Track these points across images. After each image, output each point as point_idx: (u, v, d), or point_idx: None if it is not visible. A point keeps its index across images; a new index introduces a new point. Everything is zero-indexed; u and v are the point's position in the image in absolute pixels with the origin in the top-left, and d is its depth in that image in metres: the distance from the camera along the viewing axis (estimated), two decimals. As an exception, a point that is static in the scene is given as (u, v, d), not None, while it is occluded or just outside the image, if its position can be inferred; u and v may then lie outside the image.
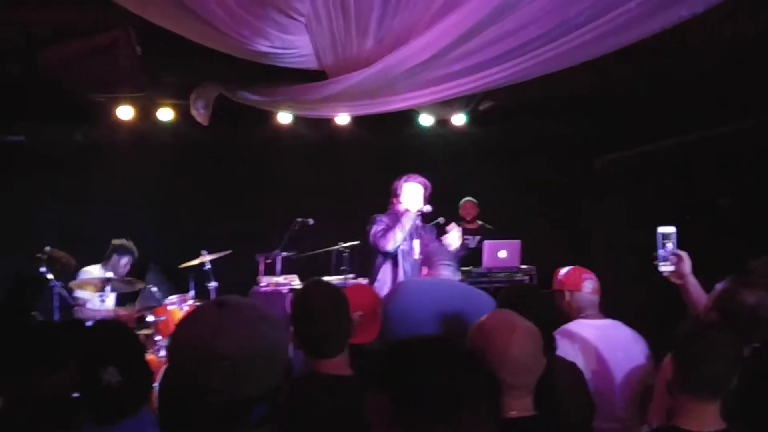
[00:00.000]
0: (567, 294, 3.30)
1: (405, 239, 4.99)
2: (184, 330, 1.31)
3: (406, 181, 5.18)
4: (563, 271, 3.42)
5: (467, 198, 7.89)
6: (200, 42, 4.55)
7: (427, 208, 5.17)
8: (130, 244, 6.22)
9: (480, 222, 7.84)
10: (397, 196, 5.14)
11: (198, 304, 1.36)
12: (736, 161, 6.20)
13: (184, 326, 1.32)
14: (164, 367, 1.36)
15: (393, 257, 4.99)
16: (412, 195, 5.14)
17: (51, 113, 7.15)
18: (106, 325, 2.26)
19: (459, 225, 5.29)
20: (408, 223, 4.95)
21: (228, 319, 1.28)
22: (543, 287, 6.11)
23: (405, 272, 4.96)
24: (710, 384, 2.09)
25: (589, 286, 3.29)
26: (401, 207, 5.09)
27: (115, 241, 6.19)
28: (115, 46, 5.29)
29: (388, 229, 4.95)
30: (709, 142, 6.49)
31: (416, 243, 5.05)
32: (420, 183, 5.20)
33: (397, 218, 5.02)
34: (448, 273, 3.68)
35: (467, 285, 3.75)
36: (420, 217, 5.15)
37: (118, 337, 2.02)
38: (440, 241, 4.98)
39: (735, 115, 6.01)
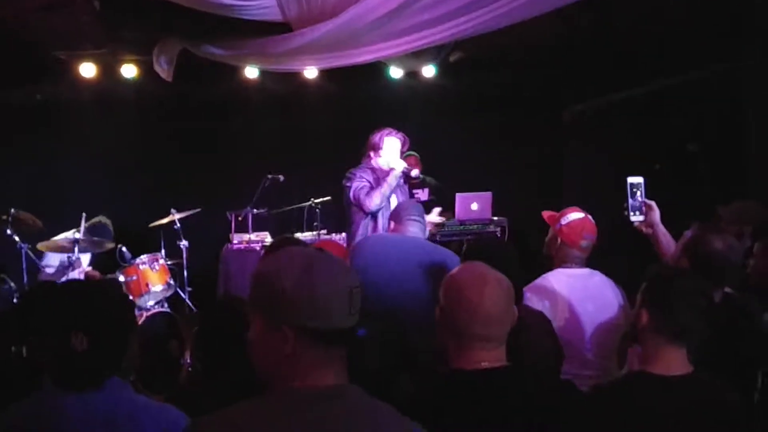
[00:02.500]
0: (559, 241, 3.26)
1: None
2: (323, 273, 1.45)
3: (387, 134, 5.05)
4: (569, 217, 3.28)
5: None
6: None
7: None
8: (104, 221, 6.07)
9: (422, 176, 7.76)
10: (376, 149, 5.02)
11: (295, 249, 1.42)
12: (704, 108, 6.22)
13: (318, 271, 1.45)
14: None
15: (373, 213, 4.94)
16: (392, 150, 5.04)
17: (11, 71, 6.96)
18: (79, 286, 2.19)
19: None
20: (393, 181, 4.88)
21: (336, 258, 1.52)
22: (514, 238, 6.24)
23: (384, 228, 4.93)
24: (680, 329, 2.11)
25: (584, 244, 3.23)
26: (380, 162, 5.01)
27: (94, 220, 6.04)
28: (72, 1, 5.12)
29: (372, 187, 4.85)
30: (676, 89, 6.50)
31: (394, 198, 5.00)
32: (399, 138, 5.10)
33: (375, 174, 4.94)
34: (415, 229, 3.64)
35: (431, 243, 3.74)
36: (403, 177, 5.10)
37: (90, 302, 1.96)
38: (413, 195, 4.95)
39: (702, 62, 6.01)
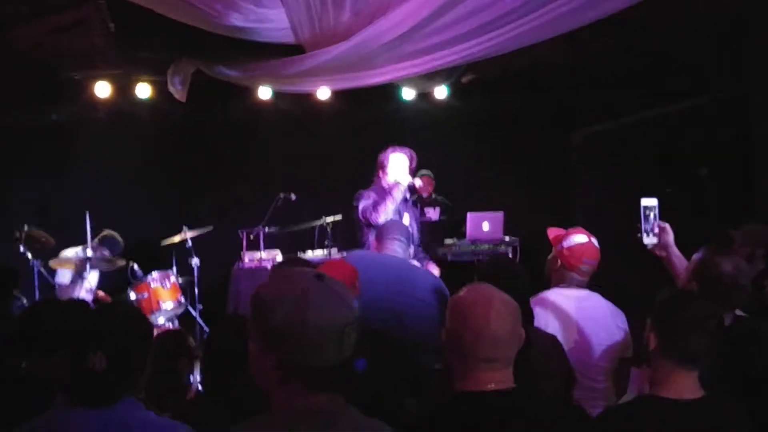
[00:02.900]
0: (559, 263, 3.24)
1: (394, 212, 4.94)
2: (302, 305, 1.44)
3: (392, 152, 5.08)
4: (572, 240, 3.24)
5: (423, 172, 7.69)
6: (173, 17, 4.48)
7: (419, 183, 5.15)
8: (113, 235, 6.10)
9: (434, 195, 7.75)
10: (383, 168, 5.05)
11: (293, 276, 1.40)
12: (714, 132, 6.21)
13: (300, 302, 1.44)
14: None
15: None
16: (398, 166, 5.04)
17: (28, 92, 7.04)
18: (104, 308, 2.20)
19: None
20: (399, 195, 4.89)
21: (331, 291, 1.48)
22: (526, 258, 6.21)
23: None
24: (690, 353, 2.10)
25: (584, 269, 3.21)
26: (388, 179, 5.03)
27: (104, 232, 6.08)
28: (87, 23, 5.19)
29: (378, 202, 4.86)
30: (685, 113, 6.50)
31: (405, 217, 5.01)
32: (405, 153, 5.10)
33: (383, 191, 4.96)
34: (397, 248, 3.65)
35: (408, 262, 3.74)
36: (408, 191, 5.10)
37: (112, 322, 1.97)
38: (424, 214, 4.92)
39: (711, 86, 6.01)
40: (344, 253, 6.58)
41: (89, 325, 1.95)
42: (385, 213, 4.82)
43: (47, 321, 2.49)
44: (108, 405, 1.87)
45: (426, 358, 2.97)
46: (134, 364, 1.98)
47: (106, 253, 5.89)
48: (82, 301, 2.67)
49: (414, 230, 4.99)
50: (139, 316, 2.12)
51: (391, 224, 3.99)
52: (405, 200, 5.10)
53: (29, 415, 1.90)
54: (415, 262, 4.68)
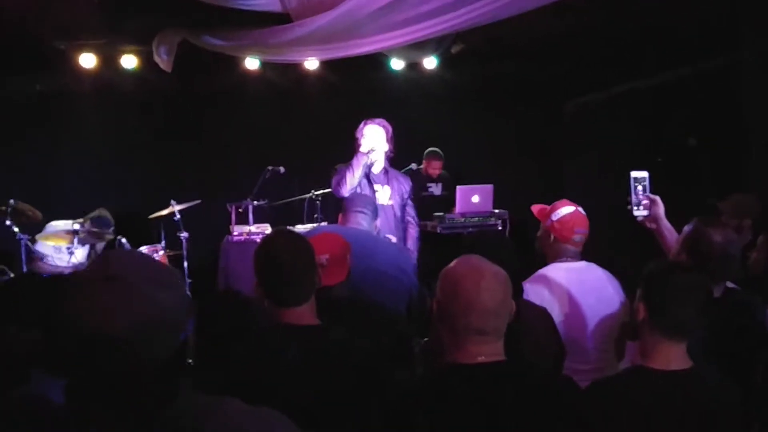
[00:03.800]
0: (552, 237, 3.20)
1: (365, 186, 4.87)
2: (69, 309, 1.24)
3: (365, 125, 4.99)
4: (560, 212, 3.20)
5: (433, 151, 7.62)
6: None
7: (365, 147, 4.89)
8: (105, 215, 6.05)
9: (443, 172, 7.74)
10: (358, 142, 4.96)
11: (83, 277, 1.27)
12: (704, 101, 6.20)
13: (68, 304, 1.24)
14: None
15: None
16: (373, 138, 4.95)
17: (10, 62, 6.95)
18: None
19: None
20: (358, 164, 4.79)
21: (117, 296, 1.22)
22: (516, 231, 6.22)
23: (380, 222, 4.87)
24: (678, 324, 2.09)
25: (577, 238, 3.17)
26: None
27: (98, 212, 6.02)
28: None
29: (342, 176, 4.81)
30: (677, 83, 6.48)
31: (386, 189, 4.96)
32: (379, 125, 4.99)
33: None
34: (362, 221, 3.61)
35: (370, 234, 3.71)
36: (386, 160, 5.03)
37: None
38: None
39: (702, 56, 5.99)
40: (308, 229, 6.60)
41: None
42: (349, 185, 4.75)
43: (23, 296, 2.47)
44: None
45: (393, 331, 2.98)
46: None
47: (96, 230, 5.84)
48: (60, 275, 2.65)
49: (396, 203, 4.93)
50: None
51: (355, 197, 3.96)
52: (385, 172, 5.02)
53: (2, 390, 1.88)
54: (392, 237, 4.67)
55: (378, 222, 3.78)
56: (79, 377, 1.24)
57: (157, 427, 1.24)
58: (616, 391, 2.11)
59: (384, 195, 4.92)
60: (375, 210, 3.77)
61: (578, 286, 3.08)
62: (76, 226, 5.65)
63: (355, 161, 4.81)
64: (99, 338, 1.19)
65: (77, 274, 1.34)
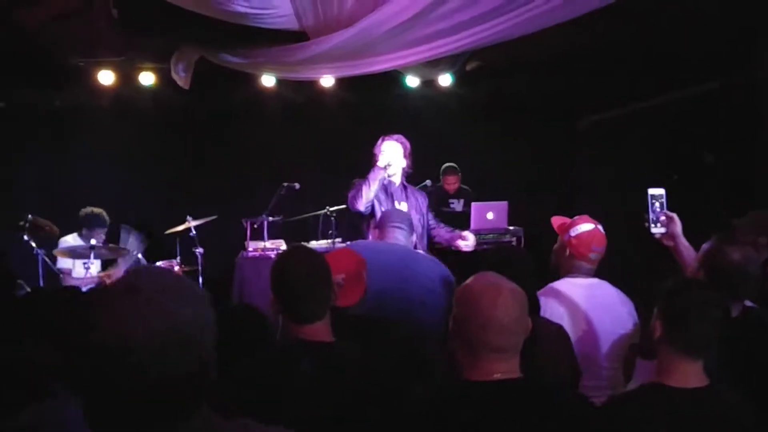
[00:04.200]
0: (568, 252, 3.21)
1: (383, 201, 4.86)
2: (93, 323, 1.24)
3: (383, 141, 5.01)
4: (579, 228, 3.22)
5: (451, 166, 7.65)
6: (176, 3, 4.46)
7: (382, 161, 4.90)
8: (95, 212, 6.08)
9: (461, 187, 7.76)
10: (375, 158, 4.97)
11: (106, 290, 1.27)
12: (720, 118, 6.18)
13: (93, 319, 1.25)
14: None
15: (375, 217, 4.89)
16: (391, 154, 4.96)
17: (31, 78, 7.03)
18: (93, 292, 2.19)
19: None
20: (374, 178, 4.79)
21: (136, 307, 1.22)
22: (531, 248, 6.19)
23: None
24: (695, 342, 2.09)
25: (593, 257, 3.18)
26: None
27: (81, 212, 6.07)
28: (90, 8, 5.17)
29: (359, 190, 4.80)
30: (691, 100, 6.46)
31: (403, 206, 4.95)
32: (397, 141, 5.01)
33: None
34: (399, 236, 3.60)
35: (413, 251, 3.70)
36: (402, 176, 5.03)
37: None
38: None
39: (717, 73, 5.97)
40: (347, 243, 6.59)
41: (84, 309, 1.93)
42: (364, 198, 4.75)
43: (37, 309, 2.49)
44: None
45: (431, 347, 2.96)
46: None
47: (97, 230, 5.89)
48: (74, 288, 2.67)
49: (415, 220, 4.94)
50: None
51: (391, 212, 3.94)
52: (404, 187, 5.03)
53: (21, 403, 1.89)
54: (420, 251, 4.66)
55: (414, 237, 3.77)
56: (95, 389, 1.23)
57: None
58: (633, 408, 2.10)
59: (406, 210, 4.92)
60: (411, 225, 3.76)
61: (589, 303, 3.07)
62: (93, 241, 5.70)
63: (371, 175, 4.82)
64: (114, 348, 1.19)
65: (105, 286, 1.35)
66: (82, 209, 6.07)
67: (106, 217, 6.08)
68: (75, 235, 6.02)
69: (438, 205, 7.07)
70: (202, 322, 1.30)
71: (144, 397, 1.21)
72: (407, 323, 3.04)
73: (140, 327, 1.21)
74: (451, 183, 7.57)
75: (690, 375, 2.09)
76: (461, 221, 6.87)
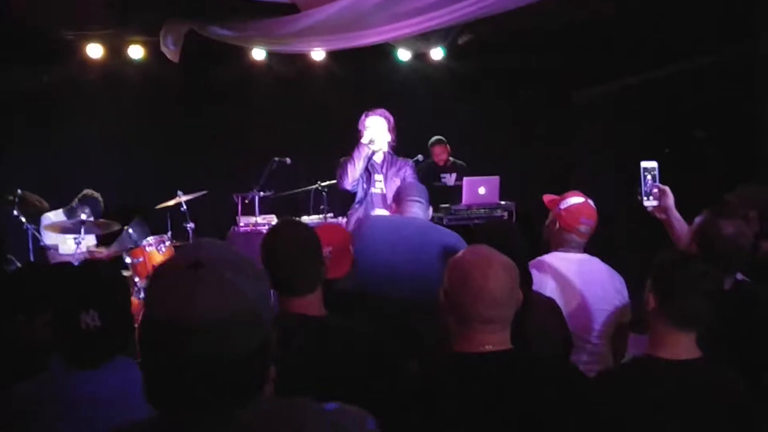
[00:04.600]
0: (558, 225, 3.20)
1: (367, 178, 4.86)
2: (156, 298, 1.20)
3: (366, 116, 4.95)
4: (569, 201, 3.22)
5: (437, 139, 7.63)
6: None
7: (381, 137, 4.86)
8: (95, 195, 6.06)
9: (452, 159, 7.74)
10: (360, 133, 4.92)
11: (169, 264, 1.22)
12: (715, 93, 6.17)
13: (155, 293, 1.21)
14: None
15: (363, 195, 4.89)
16: (375, 129, 4.90)
17: (18, 52, 6.96)
18: (90, 267, 2.18)
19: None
20: (359, 155, 4.77)
21: (204, 284, 1.18)
22: (522, 222, 6.21)
23: (371, 209, 4.84)
24: (687, 314, 2.09)
25: (583, 229, 3.17)
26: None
27: (85, 191, 6.05)
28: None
29: (344, 168, 4.80)
30: (687, 74, 6.44)
31: (379, 177, 4.91)
32: (380, 115, 4.94)
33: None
34: (416, 210, 3.57)
35: (432, 223, 3.68)
36: (388, 150, 4.99)
37: (101, 280, 1.96)
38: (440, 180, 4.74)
39: (714, 47, 5.95)
40: (342, 219, 6.57)
41: (76, 285, 1.93)
42: (350, 176, 4.75)
43: (31, 283, 2.49)
44: (104, 364, 1.86)
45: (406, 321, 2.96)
46: (124, 321, 1.96)
47: (87, 211, 5.88)
48: (67, 263, 2.66)
49: (389, 192, 4.88)
50: (117, 273, 2.12)
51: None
52: (384, 161, 4.98)
53: (17, 378, 1.89)
54: None
55: (431, 210, 3.75)
56: (158, 367, 1.20)
57: (235, 425, 1.21)
58: (626, 380, 2.12)
59: (381, 183, 4.90)
60: (428, 198, 3.71)
61: (578, 278, 3.07)
62: (84, 216, 5.67)
63: (356, 153, 4.80)
64: (182, 325, 1.15)
65: (166, 261, 1.28)
66: (86, 189, 6.03)
67: (101, 205, 6.05)
68: (59, 211, 5.99)
69: (430, 179, 7.06)
70: (265, 299, 1.26)
71: (212, 376, 1.17)
72: (423, 296, 3.01)
73: (206, 303, 1.17)
74: (438, 154, 7.57)
75: (683, 347, 2.09)
76: (453, 195, 6.87)
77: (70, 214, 5.95)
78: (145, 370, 1.22)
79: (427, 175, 7.02)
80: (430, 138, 7.66)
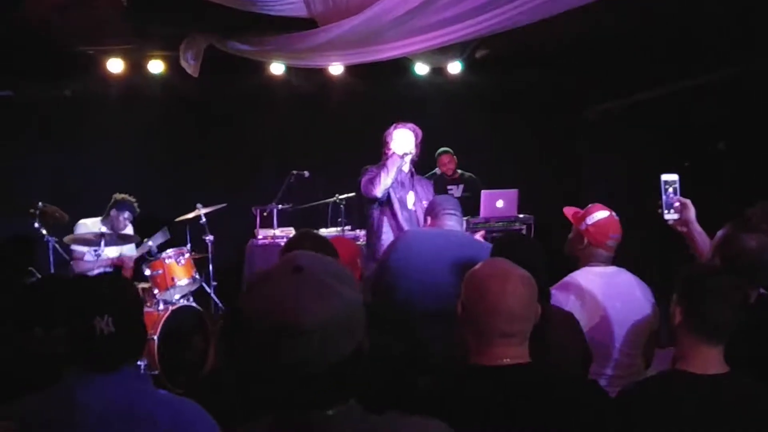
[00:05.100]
0: (585, 241, 3.17)
1: (396, 188, 4.86)
2: (261, 301, 1.23)
3: (395, 128, 4.98)
4: (595, 216, 3.19)
5: (443, 149, 7.62)
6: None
7: (401, 150, 4.87)
8: (130, 199, 6.12)
9: (459, 171, 7.73)
10: (387, 144, 4.94)
11: (270, 270, 1.24)
12: (732, 107, 6.13)
13: (259, 296, 1.24)
14: (217, 335, 1.29)
15: (390, 208, 4.89)
16: (402, 142, 4.93)
17: (40, 67, 7.05)
18: (102, 275, 2.22)
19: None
20: (393, 165, 4.76)
21: (308, 286, 1.21)
22: (541, 236, 6.19)
23: (403, 223, 4.86)
24: (716, 328, 2.07)
25: (611, 243, 3.15)
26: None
27: (116, 196, 6.10)
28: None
29: (375, 176, 4.79)
30: (703, 88, 6.41)
31: (411, 195, 4.94)
32: (410, 129, 4.98)
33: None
34: (452, 223, 3.56)
35: (470, 235, 3.68)
36: (410, 164, 5.01)
37: (114, 288, 1.98)
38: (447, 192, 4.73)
39: (730, 61, 5.92)
40: (360, 232, 6.57)
41: (90, 292, 1.96)
42: (382, 185, 4.74)
43: (48, 296, 2.51)
44: (117, 370, 1.88)
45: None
46: (137, 327, 1.99)
47: (127, 215, 5.95)
48: (81, 275, 2.69)
49: (419, 208, 4.88)
50: (126, 282, 2.15)
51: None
52: (411, 176, 5.00)
53: (33, 391, 1.91)
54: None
55: (464, 224, 3.74)
56: (260, 370, 1.23)
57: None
58: (653, 395, 2.09)
59: (409, 200, 4.92)
60: (461, 211, 3.71)
61: (608, 291, 3.05)
62: (104, 229, 5.73)
63: (390, 162, 4.78)
64: (287, 328, 1.17)
65: (267, 269, 1.31)
66: (115, 195, 6.10)
67: (136, 206, 6.11)
68: (96, 219, 6.01)
69: (437, 191, 7.07)
70: (359, 305, 1.28)
71: (312, 379, 1.20)
72: (438, 311, 2.99)
73: (312, 307, 1.19)
74: (446, 163, 7.56)
75: (710, 361, 2.07)
76: (462, 207, 6.86)
77: (109, 221, 5.98)
78: (243, 374, 1.25)
79: (435, 186, 7.03)
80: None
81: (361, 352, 1.26)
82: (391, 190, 4.84)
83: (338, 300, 1.23)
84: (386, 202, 4.86)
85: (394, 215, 4.85)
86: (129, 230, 6.10)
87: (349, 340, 1.24)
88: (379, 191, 4.75)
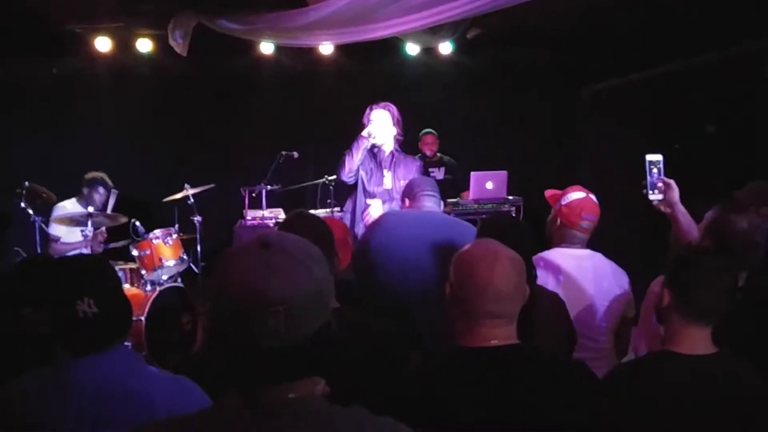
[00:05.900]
0: (559, 222, 3.18)
1: (370, 169, 4.86)
2: (229, 275, 1.22)
3: (371, 110, 4.95)
4: (570, 197, 3.19)
5: (427, 130, 7.58)
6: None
7: (366, 131, 4.86)
8: (99, 174, 6.07)
9: (439, 154, 7.70)
10: (364, 127, 4.91)
11: (239, 247, 1.24)
12: (723, 89, 6.12)
13: (228, 270, 1.23)
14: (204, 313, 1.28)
15: (364, 190, 4.87)
16: (379, 123, 4.90)
17: (27, 45, 6.97)
18: (80, 258, 2.20)
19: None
20: (358, 147, 4.78)
21: (277, 261, 1.21)
22: (530, 218, 6.19)
23: (363, 202, 4.85)
24: (705, 311, 2.07)
25: (584, 225, 3.14)
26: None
27: (86, 175, 6.06)
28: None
29: (344, 159, 4.81)
30: (695, 70, 6.40)
31: (388, 175, 4.89)
32: (384, 108, 4.94)
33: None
34: (431, 204, 3.54)
35: (450, 216, 3.66)
36: (395, 144, 4.96)
37: (94, 269, 1.98)
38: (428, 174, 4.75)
39: (722, 43, 5.90)
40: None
41: (68, 276, 1.94)
42: (347, 168, 4.78)
43: (35, 275, 2.49)
44: (107, 349, 1.87)
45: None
46: (120, 306, 1.98)
47: (101, 191, 5.93)
48: (61, 258, 2.67)
49: (399, 188, 4.87)
50: (102, 261, 2.14)
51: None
52: (392, 156, 4.95)
53: (26, 370, 1.90)
54: None
55: (442, 205, 3.72)
56: (230, 345, 1.22)
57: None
58: (642, 375, 2.10)
59: (389, 180, 4.89)
60: (439, 192, 3.68)
61: (579, 273, 3.05)
62: (91, 209, 5.69)
63: (355, 145, 4.82)
64: (254, 301, 1.18)
65: (236, 246, 1.32)
66: (87, 174, 6.05)
67: (109, 181, 6.06)
68: (73, 200, 6.00)
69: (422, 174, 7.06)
70: (329, 282, 1.28)
71: (275, 354, 1.20)
72: (420, 294, 2.97)
73: (281, 280, 1.20)
74: (429, 144, 7.54)
75: (699, 342, 2.08)
76: (442, 190, 6.85)
77: (84, 201, 5.95)
78: (216, 349, 1.25)
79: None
80: (439, 131, 7.64)
81: (328, 331, 1.26)
82: (363, 173, 4.85)
83: (306, 276, 1.23)
84: (360, 183, 4.89)
85: (367, 196, 4.86)
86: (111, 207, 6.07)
87: (316, 318, 1.23)
88: (345, 174, 4.81)
